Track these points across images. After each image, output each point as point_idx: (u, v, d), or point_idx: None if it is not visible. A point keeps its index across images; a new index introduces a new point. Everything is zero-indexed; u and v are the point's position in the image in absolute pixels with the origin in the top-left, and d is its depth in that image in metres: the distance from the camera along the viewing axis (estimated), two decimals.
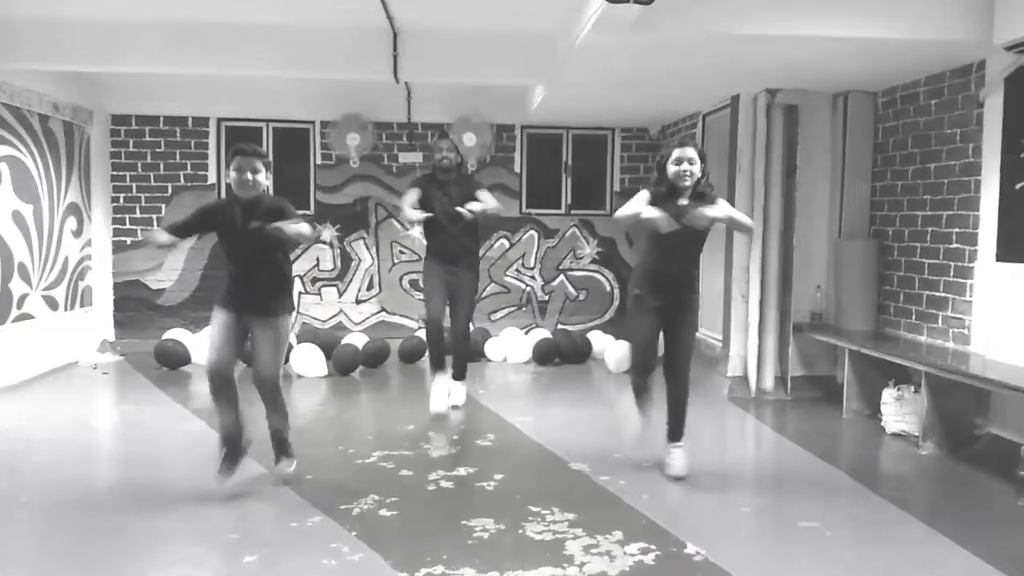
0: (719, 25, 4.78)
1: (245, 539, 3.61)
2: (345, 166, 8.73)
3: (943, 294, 5.64)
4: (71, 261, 7.75)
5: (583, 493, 4.23)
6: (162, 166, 8.59)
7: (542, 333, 8.40)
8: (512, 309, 9.10)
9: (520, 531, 3.66)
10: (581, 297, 9.21)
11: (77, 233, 7.88)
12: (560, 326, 8.96)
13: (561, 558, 3.37)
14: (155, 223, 8.53)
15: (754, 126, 6.53)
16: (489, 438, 5.27)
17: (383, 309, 8.93)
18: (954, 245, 5.53)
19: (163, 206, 8.58)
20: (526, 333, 8.50)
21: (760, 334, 6.56)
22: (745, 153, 6.56)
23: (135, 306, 8.61)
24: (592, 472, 4.53)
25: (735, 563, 3.33)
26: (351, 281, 8.89)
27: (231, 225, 4.07)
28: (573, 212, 9.18)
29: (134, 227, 8.57)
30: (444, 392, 5.87)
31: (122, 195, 8.57)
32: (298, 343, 7.62)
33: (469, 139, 8.60)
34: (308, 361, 7.28)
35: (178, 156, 8.61)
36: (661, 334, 4.46)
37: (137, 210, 8.59)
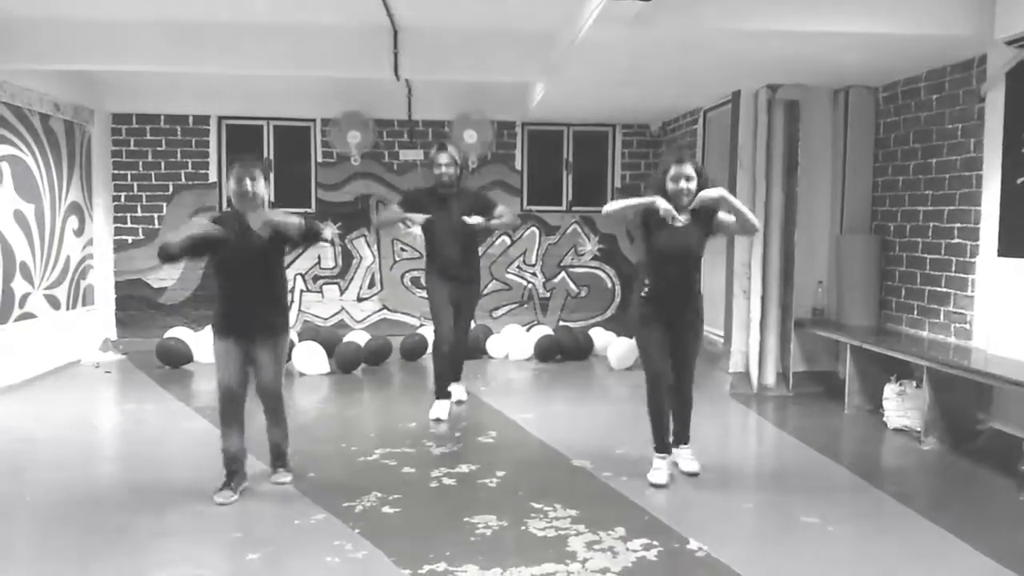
0: (720, 21, 4.77)
1: (248, 537, 3.61)
2: (346, 164, 8.73)
3: (945, 289, 5.63)
4: (73, 260, 7.75)
5: (585, 489, 4.23)
6: (163, 165, 8.60)
7: (544, 330, 8.40)
8: (514, 306, 9.11)
9: (522, 528, 3.67)
10: (582, 294, 9.21)
11: (79, 232, 7.88)
12: (562, 323, 8.96)
13: (564, 554, 3.38)
14: (156, 221, 8.54)
15: (755, 122, 6.52)
16: (491, 435, 5.28)
17: (385, 307, 8.93)
18: (955, 240, 5.53)
19: (164, 205, 8.59)
20: (528, 330, 8.49)
21: (762, 330, 6.56)
22: (746, 149, 6.55)
23: (137, 305, 8.62)
24: (594, 469, 4.54)
25: (737, 559, 3.34)
26: (352, 279, 8.89)
27: (230, 243, 4.01)
28: (574, 209, 9.18)
29: (135, 226, 8.58)
30: (446, 408, 5.76)
31: (123, 194, 8.57)
32: (300, 341, 7.63)
33: (470, 136, 8.59)
34: (310, 359, 7.29)
35: (179, 155, 8.61)
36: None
37: (138, 209, 8.59)
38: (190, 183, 8.61)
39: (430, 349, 7.91)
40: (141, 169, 8.58)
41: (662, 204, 4.14)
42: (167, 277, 8.63)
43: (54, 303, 7.39)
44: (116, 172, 8.56)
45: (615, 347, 7.67)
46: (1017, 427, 4.96)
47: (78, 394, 6.60)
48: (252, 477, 4.28)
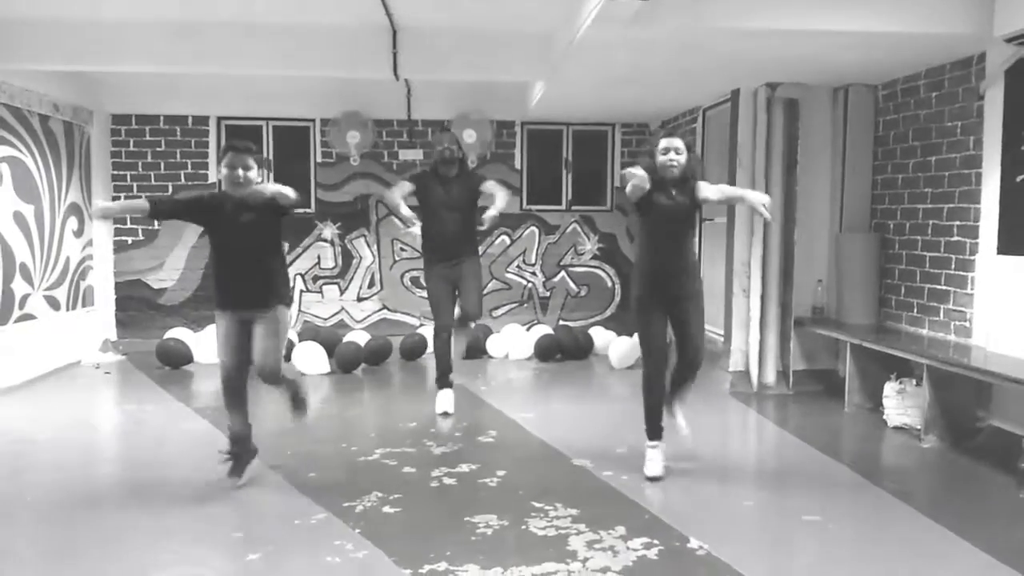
0: (718, 19, 4.77)
1: (248, 537, 3.62)
2: (345, 164, 8.73)
3: (944, 287, 5.63)
4: (72, 261, 7.75)
5: (586, 489, 4.23)
6: (163, 165, 8.60)
7: (544, 329, 8.41)
8: (513, 305, 9.11)
9: (523, 527, 3.67)
10: (582, 293, 9.21)
11: (78, 233, 7.88)
12: (562, 322, 8.96)
13: (564, 554, 3.38)
14: (156, 223, 8.52)
15: (754, 120, 6.52)
16: (491, 435, 5.28)
17: (384, 307, 8.93)
18: (955, 238, 5.53)
19: None
20: (528, 329, 8.50)
21: (761, 329, 6.56)
22: (745, 147, 6.55)
23: (137, 305, 8.62)
24: (595, 468, 4.54)
25: (738, 557, 3.34)
26: (352, 279, 8.89)
27: (224, 220, 4.09)
28: (574, 208, 9.18)
29: (135, 226, 8.58)
30: (449, 400, 5.82)
31: (123, 194, 8.55)
32: (300, 341, 7.64)
33: (469, 135, 8.59)
34: (310, 359, 7.29)
35: (178, 155, 8.61)
36: (670, 328, 4.45)
37: None
38: (190, 183, 8.59)
39: (431, 348, 7.96)
40: (140, 170, 8.58)
41: (630, 170, 4.17)
42: (167, 278, 8.63)
43: (54, 304, 7.39)
44: (115, 173, 8.56)
45: (616, 346, 7.67)
46: (1017, 425, 4.96)
47: (78, 395, 6.60)
48: (253, 478, 4.29)
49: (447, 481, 4.33)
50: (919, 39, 5.04)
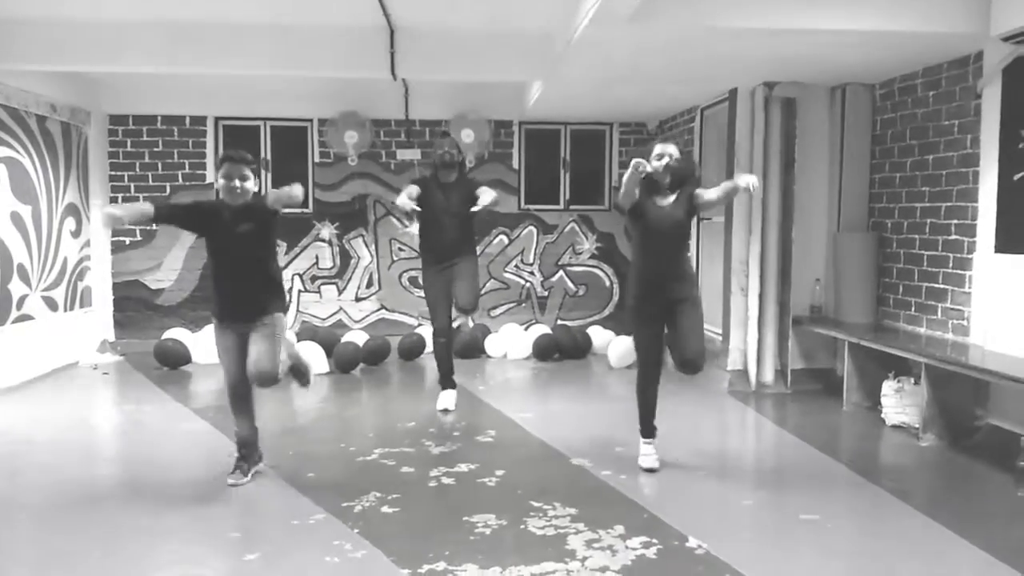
0: (716, 18, 4.77)
1: (246, 537, 3.62)
2: (343, 164, 8.72)
3: (942, 286, 5.64)
4: (70, 262, 7.74)
5: (584, 488, 4.23)
6: (160, 166, 8.59)
7: (542, 329, 8.41)
8: (511, 305, 9.11)
9: (522, 527, 3.67)
10: (580, 292, 9.21)
11: (76, 233, 7.87)
12: (560, 322, 8.96)
13: (563, 553, 3.38)
14: (153, 223, 8.48)
15: (752, 119, 6.52)
16: (490, 434, 5.28)
17: (383, 306, 8.93)
18: (953, 236, 5.53)
19: None
20: (526, 329, 8.50)
21: (760, 327, 6.56)
22: (743, 147, 6.56)
23: (135, 306, 8.61)
24: (593, 467, 4.54)
25: (736, 556, 3.34)
26: (350, 279, 8.89)
27: (222, 228, 4.09)
28: (572, 207, 9.18)
29: (132, 227, 8.56)
30: (451, 399, 5.89)
31: (120, 195, 8.55)
32: (298, 341, 7.63)
33: (467, 135, 8.58)
34: (309, 359, 7.27)
35: (176, 155, 8.60)
36: (665, 331, 4.46)
37: None
38: (187, 184, 8.59)
39: (429, 348, 7.97)
40: (138, 170, 8.57)
41: (636, 160, 4.15)
42: (165, 279, 8.62)
43: (52, 305, 7.38)
44: (113, 173, 8.55)
45: (615, 345, 7.67)
46: (1015, 423, 4.97)
47: (76, 396, 6.59)
48: (251, 478, 4.29)
49: (446, 481, 4.33)
50: (916, 38, 5.05)
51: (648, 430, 4.54)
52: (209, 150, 8.62)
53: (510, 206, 8.90)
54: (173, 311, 8.62)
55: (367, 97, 8.40)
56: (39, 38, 6.11)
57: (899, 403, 5.41)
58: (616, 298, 9.21)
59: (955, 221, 5.51)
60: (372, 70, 6.44)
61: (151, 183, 8.58)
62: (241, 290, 4.15)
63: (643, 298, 4.39)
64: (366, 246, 8.88)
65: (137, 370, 7.47)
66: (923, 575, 3.26)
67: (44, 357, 7.21)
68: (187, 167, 8.61)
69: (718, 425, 5.76)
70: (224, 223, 4.09)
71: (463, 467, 4.55)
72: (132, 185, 8.56)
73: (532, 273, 9.13)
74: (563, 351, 8.08)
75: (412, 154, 8.80)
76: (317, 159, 8.77)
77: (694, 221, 5.04)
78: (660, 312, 4.37)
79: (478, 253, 6.26)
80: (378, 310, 8.92)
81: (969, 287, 5.36)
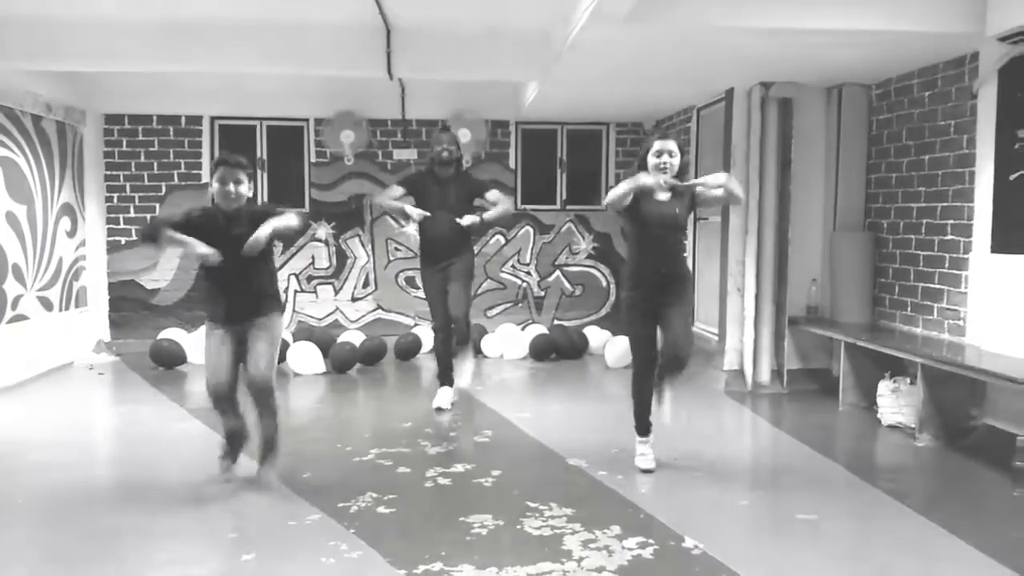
0: (713, 18, 4.77)
1: (243, 538, 3.61)
2: (340, 163, 8.71)
3: (938, 286, 5.65)
4: (65, 261, 7.72)
5: (581, 488, 4.23)
6: (156, 165, 8.57)
7: (538, 329, 8.40)
8: (508, 305, 9.10)
9: (518, 527, 3.67)
10: (577, 292, 9.21)
11: (71, 233, 7.85)
12: (556, 322, 8.96)
13: (559, 553, 3.37)
14: (148, 218, 8.49)
15: (748, 120, 6.52)
16: (486, 434, 5.27)
17: (379, 306, 8.92)
18: (949, 236, 5.54)
19: (157, 205, 8.55)
20: (522, 329, 8.49)
21: (756, 327, 6.56)
22: (739, 147, 6.56)
23: (130, 306, 8.59)
24: (589, 467, 4.54)
25: (733, 556, 3.34)
26: (347, 279, 8.87)
27: (216, 234, 4.06)
28: (568, 207, 9.18)
29: (128, 227, 8.54)
30: (447, 397, 5.90)
31: (116, 195, 8.54)
32: (294, 341, 7.62)
33: (463, 135, 8.57)
34: (305, 359, 7.28)
35: (172, 155, 8.58)
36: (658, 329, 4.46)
37: (131, 210, 8.56)
38: (183, 184, 8.58)
39: (425, 348, 7.98)
40: (134, 170, 8.55)
41: (646, 179, 4.17)
42: (160, 279, 8.60)
43: (47, 305, 7.36)
44: (108, 173, 8.53)
45: (612, 346, 7.66)
46: (1010, 423, 4.97)
47: (71, 396, 6.58)
48: (247, 478, 4.27)
49: (442, 481, 4.33)
50: (912, 38, 5.05)
51: (643, 427, 4.54)
52: (205, 150, 8.60)
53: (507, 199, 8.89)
54: (169, 311, 8.60)
55: (363, 97, 8.39)
56: (34, 37, 6.08)
57: (895, 403, 5.41)
58: (613, 298, 9.21)
59: (951, 221, 5.52)
60: (368, 69, 6.43)
61: (146, 183, 8.56)
62: (237, 292, 4.13)
63: (638, 295, 4.38)
64: (362, 246, 8.86)
65: (133, 370, 7.45)
66: (919, 575, 3.27)
67: (39, 357, 7.19)
68: (183, 167, 8.59)
69: (714, 425, 5.75)
70: (219, 227, 4.08)
71: (459, 467, 4.54)
72: (127, 185, 8.54)
73: (529, 273, 9.12)
74: (560, 351, 8.08)
75: (409, 154, 8.79)
76: (313, 159, 8.75)
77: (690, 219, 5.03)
78: (654, 308, 4.36)
79: (475, 252, 6.28)
80: (374, 310, 8.91)
81: (965, 287, 5.37)
